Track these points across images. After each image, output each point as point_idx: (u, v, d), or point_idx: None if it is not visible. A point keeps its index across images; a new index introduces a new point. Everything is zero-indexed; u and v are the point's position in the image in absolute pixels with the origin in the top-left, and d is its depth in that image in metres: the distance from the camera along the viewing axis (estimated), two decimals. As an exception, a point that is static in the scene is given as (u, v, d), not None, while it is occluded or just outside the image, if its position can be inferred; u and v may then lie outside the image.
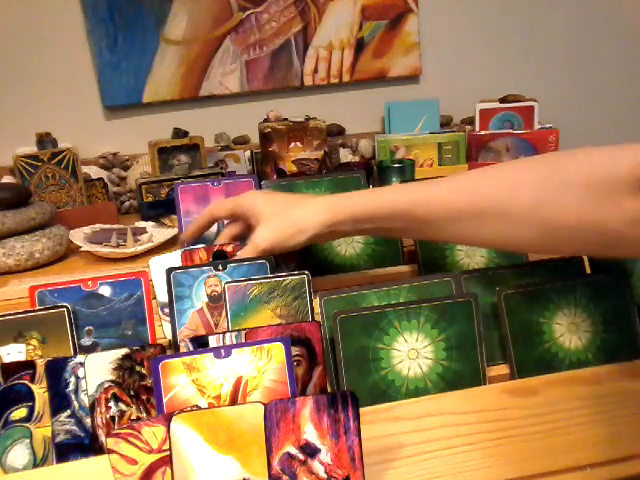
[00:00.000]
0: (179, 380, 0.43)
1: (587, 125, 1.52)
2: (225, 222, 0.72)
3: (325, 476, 0.37)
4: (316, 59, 1.38)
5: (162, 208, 0.98)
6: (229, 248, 0.66)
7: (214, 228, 0.74)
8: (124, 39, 1.28)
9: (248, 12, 1.32)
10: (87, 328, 0.58)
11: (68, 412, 0.49)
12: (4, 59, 1.26)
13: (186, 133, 1.17)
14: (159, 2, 1.28)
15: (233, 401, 0.43)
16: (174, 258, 0.66)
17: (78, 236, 0.88)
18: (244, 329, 0.51)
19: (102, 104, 1.32)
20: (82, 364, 0.49)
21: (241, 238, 0.67)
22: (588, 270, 0.62)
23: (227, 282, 0.58)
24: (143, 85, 1.31)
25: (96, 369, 0.49)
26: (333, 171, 1.08)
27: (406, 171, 1.03)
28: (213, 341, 0.51)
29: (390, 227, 0.58)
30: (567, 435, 0.45)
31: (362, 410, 0.38)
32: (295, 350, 0.50)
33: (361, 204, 0.58)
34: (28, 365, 0.50)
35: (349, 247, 0.75)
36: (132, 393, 0.49)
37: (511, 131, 1.24)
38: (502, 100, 1.29)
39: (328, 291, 0.57)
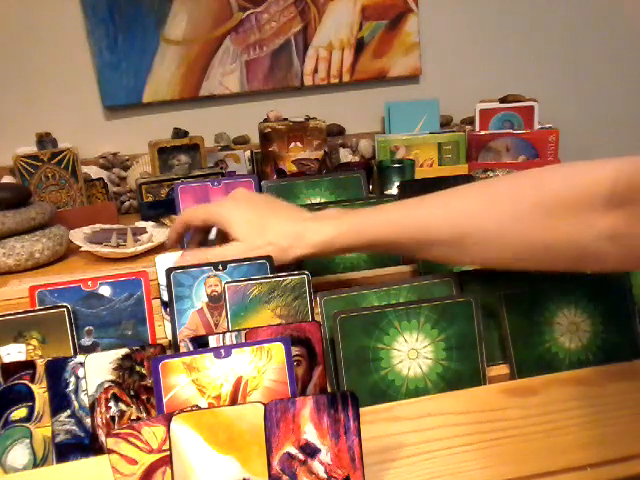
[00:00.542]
0: (179, 380, 0.43)
1: (587, 125, 1.52)
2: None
3: (325, 476, 0.37)
4: (316, 59, 1.38)
5: (162, 208, 0.98)
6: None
7: (214, 230, 0.74)
8: (124, 39, 1.28)
9: (248, 12, 1.32)
10: (87, 328, 0.58)
11: (68, 412, 0.49)
12: (4, 59, 1.26)
13: (186, 133, 1.17)
14: (159, 2, 1.28)
15: (233, 401, 0.43)
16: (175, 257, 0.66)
17: (78, 236, 0.88)
18: (244, 329, 0.51)
19: (102, 104, 1.32)
20: (82, 364, 0.49)
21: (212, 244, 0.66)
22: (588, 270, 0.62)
23: (227, 282, 0.58)
24: (143, 85, 1.31)
25: (96, 369, 0.49)
26: (333, 171, 1.08)
27: (406, 171, 1.03)
28: (213, 341, 0.51)
29: (370, 251, 0.62)
30: (567, 435, 0.45)
31: (362, 410, 0.38)
32: (295, 350, 0.50)
33: (342, 237, 0.57)
34: (28, 365, 0.50)
35: (349, 247, 0.75)
36: (132, 393, 0.49)
37: (511, 131, 1.25)
38: (502, 100, 1.29)
39: (328, 291, 0.57)
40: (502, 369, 0.56)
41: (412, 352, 0.54)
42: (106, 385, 0.48)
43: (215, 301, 0.60)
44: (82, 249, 0.85)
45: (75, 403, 0.49)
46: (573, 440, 0.45)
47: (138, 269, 0.64)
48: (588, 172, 0.47)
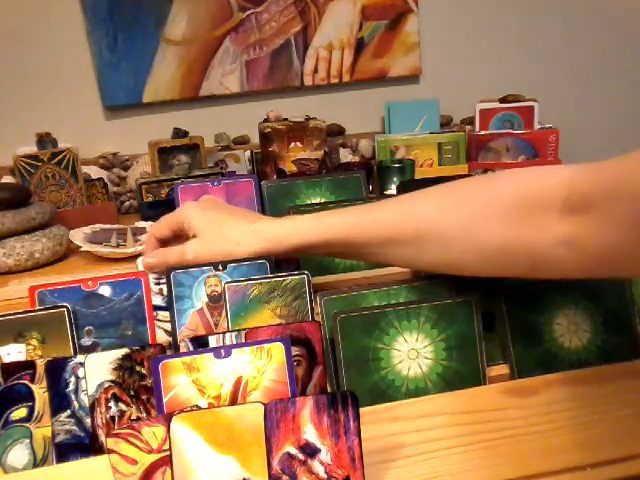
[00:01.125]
0: (179, 380, 0.43)
1: (587, 125, 1.52)
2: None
3: (325, 476, 0.37)
4: (316, 59, 1.38)
5: (162, 208, 0.98)
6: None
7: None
8: (124, 39, 1.28)
9: (248, 12, 1.32)
10: (87, 328, 0.58)
11: (68, 412, 0.49)
12: (4, 59, 1.26)
13: (186, 133, 1.17)
14: (159, 2, 1.28)
15: (233, 401, 0.43)
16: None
17: (78, 236, 0.88)
18: (244, 329, 0.51)
19: (102, 104, 1.32)
20: (82, 364, 0.49)
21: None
22: (588, 270, 0.62)
23: (227, 282, 0.58)
24: (143, 85, 1.31)
25: (96, 369, 0.49)
26: (333, 171, 1.08)
27: (406, 171, 1.03)
28: (213, 341, 0.51)
29: (330, 252, 0.59)
30: (567, 435, 0.45)
31: (362, 410, 0.38)
32: (295, 350, 0.50)
33: (298, 234, 0.57)
34: (28, 365, 0.50)
35: (349, 247, 0.75)
36: (132, 393, 0.49)
37: (511, 131, 1.25)
38: (502, 100, 1.29)
39: (328, 291, 0.57)
40: (502, 369, 0.56)
41: (412, 352, 0.54)
42: (106, 385, 0.48)
43: (215, 301, 0.60)
44: (82, 249, 0.85)
45: (75, 403, 0.49)
46: (573, 440, 0.45)
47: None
48: (544, 177, 0.47)
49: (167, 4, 1.28)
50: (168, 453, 0.36)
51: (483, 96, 1.35)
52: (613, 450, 0.43)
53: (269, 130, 1.13)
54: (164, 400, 0.42)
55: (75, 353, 0.56)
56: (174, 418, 0.36)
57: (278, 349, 0.44)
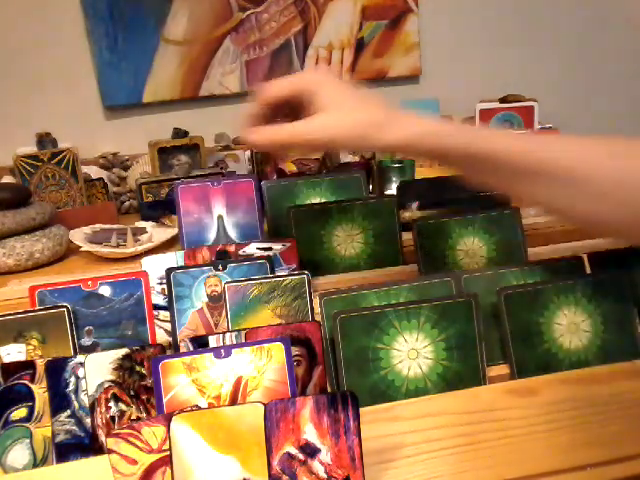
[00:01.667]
0: (179, 380, 0.43)
1: (587, 125, 1.52)
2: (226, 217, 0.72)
3: (325, 476, 0.37)
4: (316, 59, 1.38)
5: (162, 208, 0.98)
6: (231, 248, 0.66)
7: (214, 229, 0.74)
8: (124, 39, 1.28)
9: (248, 12, 1.32)
10: (87, 328, 0.58)
11: (68, 412, 0.49)
12: (4, 59, 1.26)
13: (186, 133, 1.17)
14: (159, 2, 1.28)
15: (233, 401, 0.43)
16: (169, 259, 0.65)
17: (78, 236, 0.88)
18: (244, 329, 0.51)
19: (102, 104, 1.32)
20: (82, 364, 0.49)
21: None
22: (588, 270, 0.62)
23: (227, 282, 0.58)
24: (143, 85, 1.31)
25: (96, 369, 0.49)
26: (333, 171, 1.08)
27: (406, 171, 1.03)
28: (213, 341, 0.51)
29: (462, 162, 0.49)
30: (567, 435, 0.45)
31: (362, 410, 0.38)
32: (295, 350, 0.50)
33: (451, 136, 0.48)
34: (28, 365, 0.50)
35: (349, 247, 0.75)
36: (132, 393, 0.49)
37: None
38: (502, 100, 1.29)
39: (328, 291, 0.57)
40: (502, 369, 0.56)
41: (412, 352, 0.54)
42: (106, 385, 0.48)
43: (215, 301, 0.60)
44: (82, 249, 0.85)
45: (75, 403, 0.49)
46: (573, 440, 0.45)
47: (138, 269, 0.64)
48: None
49: (167, 4, 1.28)
50: (168, 453, 0.36)
51: (483, 96, 1.35)
52: (613, 450, 0.43)
53: (269, 130, 1.12)
54: (164, 400, 0.42)
55: (75, 353, 0.56)
56: (174, 418, 0.36)
57: (278, 349, 0.44)
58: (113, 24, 1.26)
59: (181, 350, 0.51)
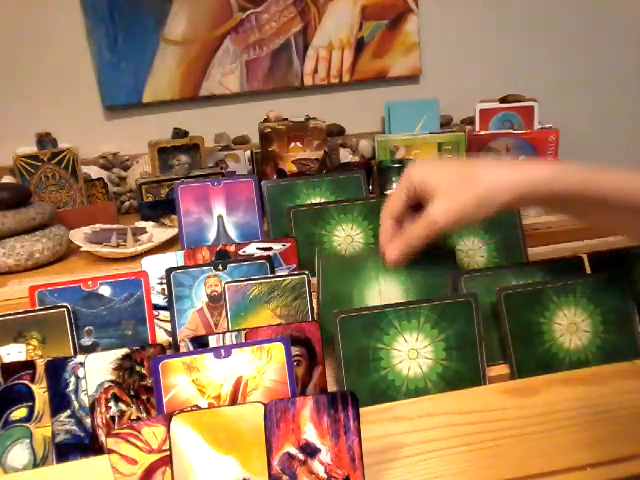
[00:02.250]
0: (179, 380, 0.43)
1: (587, 125, 1.52)
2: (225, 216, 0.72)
3: (325, 476, 0.37)
4: (316, 59, 1.38)
5: (162, 208, 0.98)
6: (231, 248, 0.66)
7: (214, 229, 0.74)
8: (124, 39, 1.28)
9: (248, 12, 1.32)
10: (87, 328, 0.58)
11: (68, 412, 0.49)
12: (4, 59, 1.26)
13: (186, 133, 1.17)
14: (159, 2, 1.28)
15: (233, 401, 0.43)
16: (169, 259, 0.65)
17: (78, 236, 0.88)
18: (244, 329, 0.51)
19: (102, 104, 1.32)
20: (82, 364, 0.49)
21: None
22: (588, 270, 0.62)
23: (227, 282, 0.58)
24: (143, 85, 1.31)
25: (96, 369, 0.49)
26: (333, 171, 1.08)
27: (406, 171, 1.03)
28: (213, 341, 0.51)
29: (575, 208, 0.49)
30: (567, 435, 0.45)
31: (362, 410, 0.38)
32: (295, 350, 0.50)
33: (561, 181, 0.48)
34: (28, 365, 0.50)
35: (349, 247, 0.75)
36: (132, 393, 0.49)
37: (511, 131, 1.24)
38: (502, 100, 1.29)
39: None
40: (502, 369, 0.56)
41: (412, 352, 0.54)
42: (106, 385, 0.48)
43: (215, 301, 0.60)
44: (82, 249, 0.85)
45: (75, 403, 0.49)
46: (573, 440, 0.45)
47: (138, 269, 0.64)
48: None
49: (167, 4, 1.28)
50: (168, 453, 0.36)
51: (483, 96, 1.35)
52: (613, 450, 0.43)
53: (269, 130, 1.13)
54: (164, 400, 0.42)
55: (75, 353, 0.56)
56: (174, 418, 0.36)
57: (278, 349, 0.44)
58: (113, 24, 1.26)
59: (181, 350, 0.51)
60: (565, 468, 0.42)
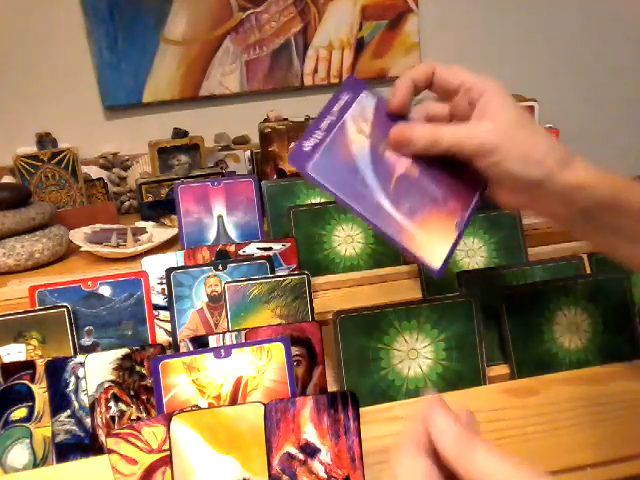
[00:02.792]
0: (179, 380, 0.43)
1: (587, 125, 1.52)
2: (225, 215, 0.72)
3: (325, 476, 0.37)
4: (316, 59, 1.38)
5: (162, 208, 0.98)
6: (231, 248, 0.66)
7: (214, 229, 0.74)
8: (124, 39, 1.28)
9: (248, 12, 1.32)
10: (87, 328, 0.58)
11: (68, 412, 0.49)
12: (4, 59, 1.26)
13: (186, 133, 1.17)
14: (159, 2, 1.28)
15: (233, 401, 0.43)
16: (169, 259, 0.65)
17: (78, 236, 0.88)
18: (244, 329, 0.51)
19: (102, 104, 1.32)
20: (82, 364, 0.49)
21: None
22: (588, 270, 0.62)
23: (227, 282, 0.58)
24: (143, 85, 1.31)
25: (96, 369, 0.49)
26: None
27: (406, 171, 1.03)
28: (213, 341, 0.51)
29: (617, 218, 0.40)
30: (567, 435, 0.45)
31: (362, 410, 0.38)
32: (295, 350, 0.50)
33: (604, 175, 0.41)
34: (28, 365, 0.50)
35: (349, 247, 0.75)
36: (132, 393, 0.49)
37: (511, 131, 1.24)
38: (502, 100, 1.29)
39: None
40: (502, 369, 0.56)
41: (412, 352, 0.54)
42: (106, 385, 0.48)
43: (215, 301, 0.60)
44: (82, 249, 0.85)
45: (75, 403, 0.49)
46: (573, 440, 0.45)
47: (138, 269, 0.64)
48: None
49: (167, 4, 1.28)
50: (168, 453, 0.36)
51: (483, 96, 1.34)
52: (613, 450, 0.43)
53: (269, 130, 1.13)
54: (164, 400, 0.42)
55: (75, 353, 0.56)
56: (174, 418, 0.36)
57: (278, 349, 0.44)
58: (113, 24, 1.26)
59: (181, 350, 0.51)
60: (565, 468, 0.42)
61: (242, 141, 1.35)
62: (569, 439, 0.45)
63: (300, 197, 0.80)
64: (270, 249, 0.67)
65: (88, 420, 0.48)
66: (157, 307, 0.62)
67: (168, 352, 0.53)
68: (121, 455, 0.36)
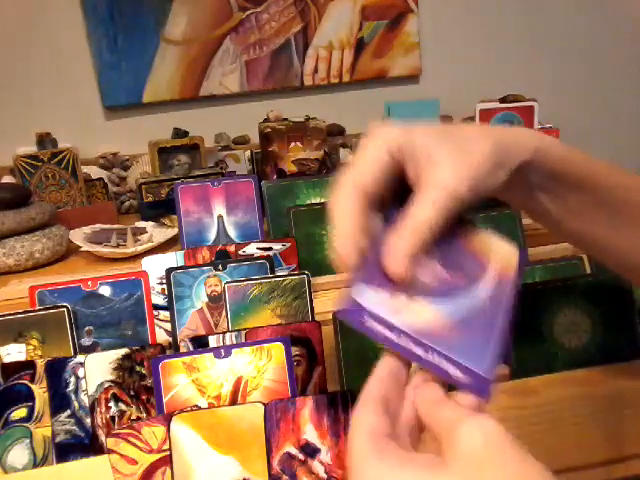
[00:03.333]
0: (179, 380, 0.43)
1: (587, 125, 1.52)
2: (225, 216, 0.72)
3: (325, 476, 0.37)
4: (316, 59, 1.38)
5: (162, 208, 0.98)
6: (231, 248, 0.66)
7: (214, 229, 0.74)
8: (124, 39, 1.28)
9: (248, 12, 1.32)
10: (87, 328, 0.58)
11: (68, 412, 0.49)
12: (4, 59, 1.26)
13: (186, 133, 1.17)
14: (159, 2, 1.28)
15: (233, 401, 0.43)
16: (169, 259, 0.65)
17: (78, 236, 0.88)
18: (244, 329, 0.51)
19: (102, 104, 1.32)
20: (82, 364, 0.49)
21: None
22: (588, 270, 0.62)
23: (227, 282, 0.58)
24: (143, 85, 1.31)
25: (96, 369, 0.49)
26: (333, 171, 1.08)
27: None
28: (213, 341, 0.51)
29: (577, 188, 0.39)
30: (567, 435, 0.45)
31: (362, 410, 0.38)
32: (295, 350, 0.50)
33: (552, 142, 0.39)
34: (28, 365, 0.50)
35: (349, 247, 0.75)
36: (132, 393, 0.49)
37: (511, 131, 1.24)
38: (502, 100, 1.29)
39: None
40: (502, 369, 0.56)
41: (412, 352, 0.54)
42: (106, 385, 0.48)
43: (215, 301, 0.60)
44: (82, 249, 0.85)
45: (75, 403, 0.49)
46: (573, 440, 0.45)
47: (138, 269, 0.64)
48: None
49: (167, 4, 1.28)
50: (168, 453, 0.36)
51: (483, 96, 1.35)
52: (613, 450, 0.43)
53: (269, 130, 1.13)
54: (164, 400, 0.42)
55: (75, 353, 0.56)
56: (174, 418, 0.36)
57: (278, 349, 0.44)
58: (113, 24, 1.26)
59: (181, 350, 0.51)
60: (565, 468, 0.42)
61: (242, 141, 1.35)
62: (569, 439, 0.45)
63: (300, 197, 0.80)
64: (270, 249, 0.67)
65: (88, 420, 0.48)
66: (157, 307, 0.62)
67: (168, 352, 0.53)
68: (121, 455, 0.36)
